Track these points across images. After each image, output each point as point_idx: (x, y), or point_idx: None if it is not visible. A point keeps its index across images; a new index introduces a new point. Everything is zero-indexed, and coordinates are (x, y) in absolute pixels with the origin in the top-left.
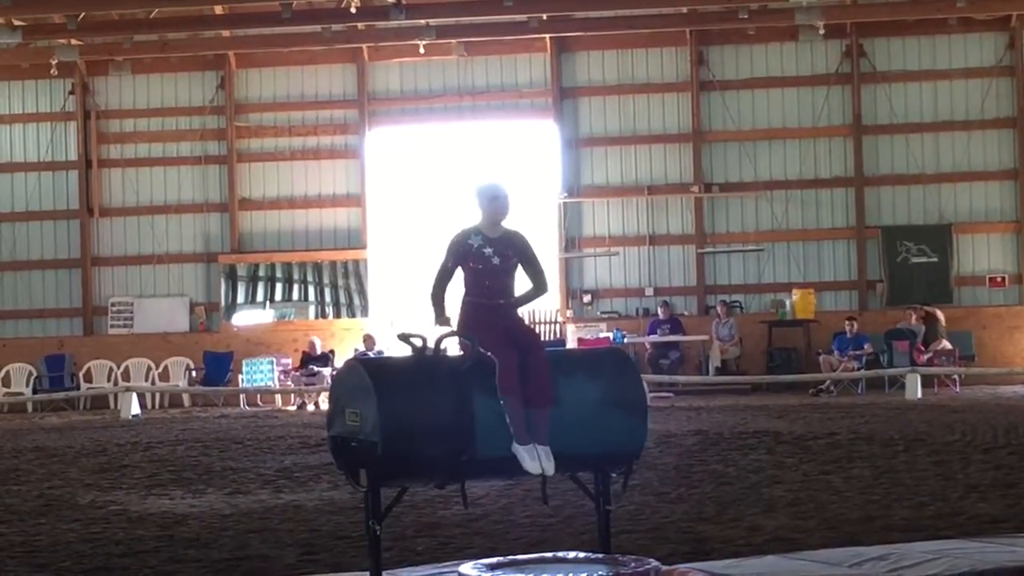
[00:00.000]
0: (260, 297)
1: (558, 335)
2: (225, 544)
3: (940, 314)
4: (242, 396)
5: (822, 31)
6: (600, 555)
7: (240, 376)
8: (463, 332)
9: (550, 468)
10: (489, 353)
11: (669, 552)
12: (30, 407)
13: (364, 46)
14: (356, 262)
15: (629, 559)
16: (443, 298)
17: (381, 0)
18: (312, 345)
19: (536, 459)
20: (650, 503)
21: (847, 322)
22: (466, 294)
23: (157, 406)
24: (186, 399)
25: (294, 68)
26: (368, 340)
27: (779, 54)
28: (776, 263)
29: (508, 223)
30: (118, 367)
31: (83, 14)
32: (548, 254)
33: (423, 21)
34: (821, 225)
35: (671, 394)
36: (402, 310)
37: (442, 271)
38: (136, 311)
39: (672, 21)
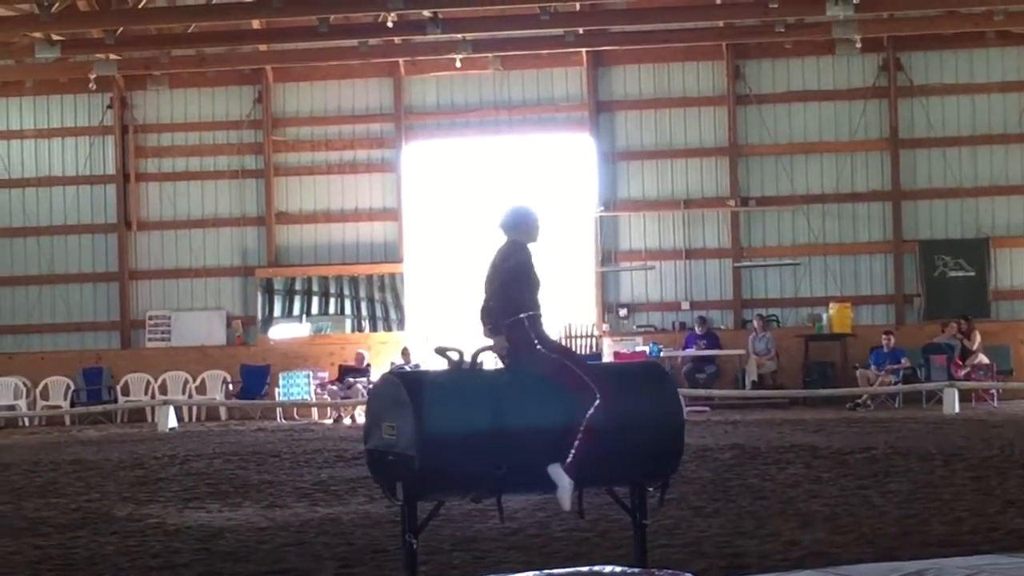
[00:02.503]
0: (297, 311)
1: (594, 349)
2: (262, 558)
3: (977, 333)
4: (278, 409)
5: (859, 45)
6: (636, 570)
7: (277, 389)
8: (548, 347)
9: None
10: (586, 379)
11: (705, 567)
12: (68, 420)
13: (400, 60)
14: (392, 276)
15: (665, 573)
16: None
17: (417, 15)
18: (360, 357)
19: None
20: (686, 517)
21: (884, 336)
22: (530, 309)
23: (194, 419)
24: (223, 412)
25: (331, 82)
26: (406, 354)
27: (816, 68)
28: (813, 277)
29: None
30: (155, 380)
31: (121, 29)
32: (585, 268)
33: (459, 35)
34: (858, 239)
35: (707, 408)
36: (438, 324)
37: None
38: (173, 324)
39: (708, 35)
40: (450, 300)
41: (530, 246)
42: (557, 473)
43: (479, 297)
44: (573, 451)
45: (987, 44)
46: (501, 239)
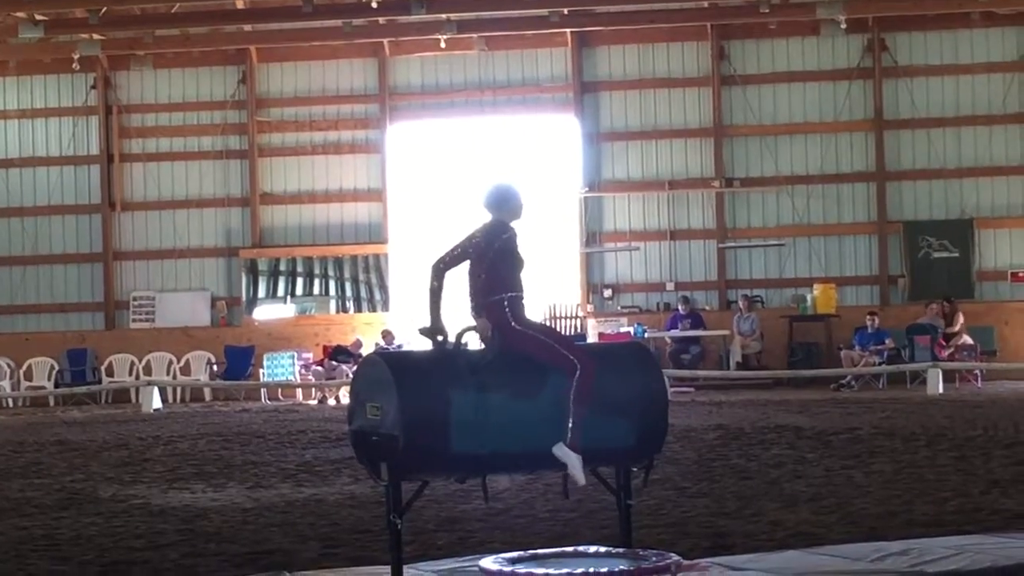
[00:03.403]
0: (281, 291)
1: (579, 330)
2: (246, 538)
3: (960, 315)
4: (263, 390)
5: (844, 25)
6: (621, 550)
7: (261, 370)
8: (524, 326)
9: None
10: (569, 355)
11: (690, 547)
12: (52, 401)
13: (385, 40)
14: (377, 256)
15: (650, 553)
16: None
17: None
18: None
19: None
20: (671, 498)
21: (868, 317)
22: (511, 290)
23: (178, 400)
24: (207, 393)
25: (315, 62)
26: (387, 335)
27: (800, 48)
28: (797, 258)
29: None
30: (139, 361)
31: (105, 9)
32: (569, 249)
33: (444, 15)
34: (842, 220)
35: (692, 389)
36: (423, 304)
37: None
38: (157, 305)
39: (693, 15)
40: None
41: (514, 224)
42: (563, 452)
43: (463, 275)
44: (570, 425)
45: (972, 25)
46: (484, 217)
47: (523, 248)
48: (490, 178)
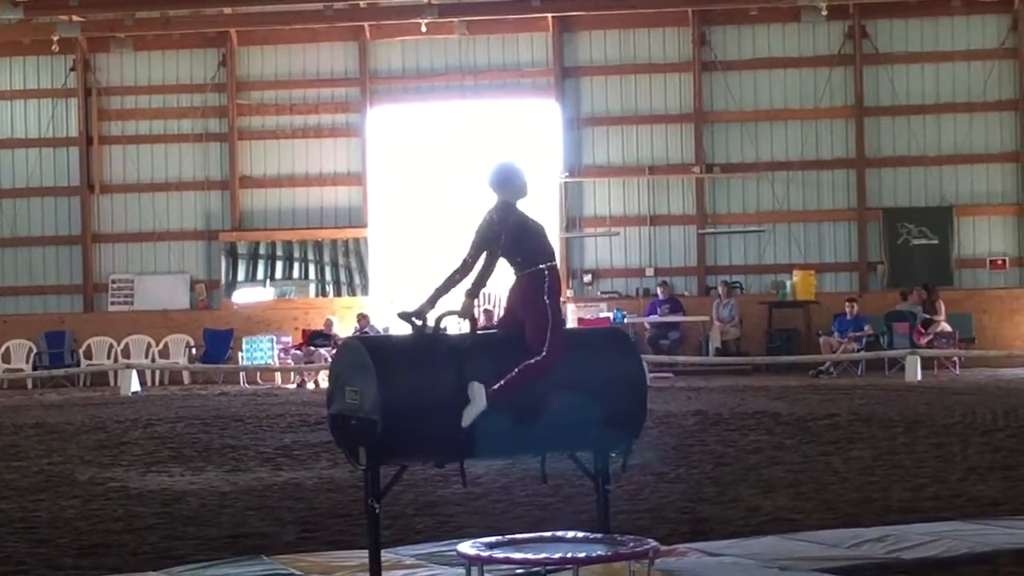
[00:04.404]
0: (260, 275)
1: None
2: (224, 521)
3: (941, 303)
4: (242, 374)
5: (824, 12)
6: (599, 535)
7: (240, 354)
8: (551, 304)
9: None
10: (545, 341)
11: (668, 532)
12: (30, 383)
13: (366, 24)
14: (357, 240)
15: (628, 539)
16: None
17: None
18: (328, 324)
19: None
20: (649, 483)
21: (847, 303)
22: (550, 259)
23: (157, 383)
24: (186, 376)
25: (296, 46)
26: (362, 319)
27: (781, 35)
28: (777, 244)
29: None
30: (118, 344)
31: None
32: (549, 234)
33: (425, 0)
34: (822, 206)
35: (671, 374)
36: (402, 289)
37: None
38: (136, 288)
39: (674, 1)
40: (414, 265)
41: (519, 204)
42: (477, 390)
43: (465, 255)
44: (503, 381)
45: (953, 12)
46: (491, 198)
47: (534, 217)
48: (492, 157)
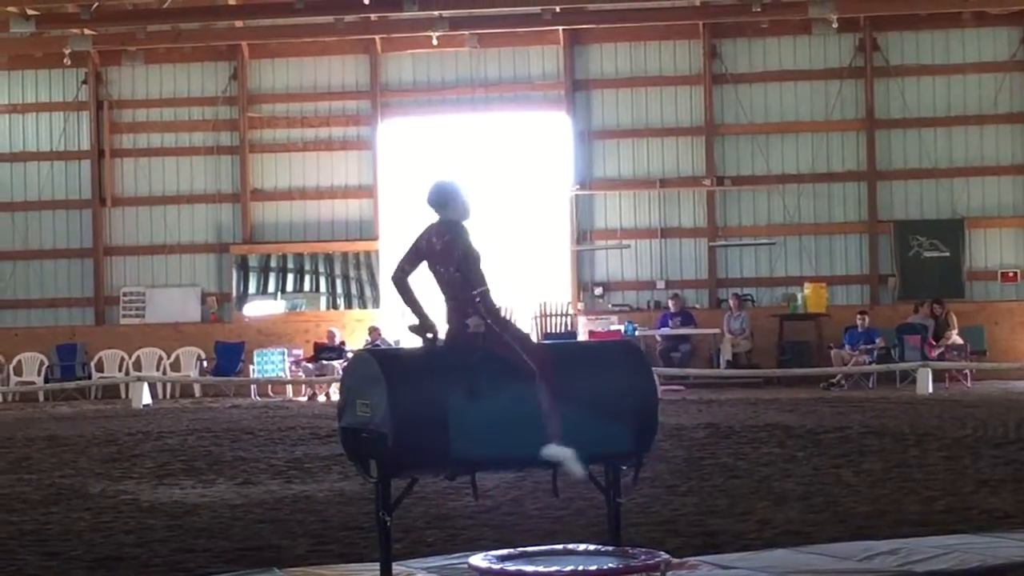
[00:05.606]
0: (272, 288)
1: (569, 327)
2: (235, 534)
3: (953, 316)
4: (253, 386)
5: (835, 25)
6: (610, 548)
7: (251, 366)
8: (497, 323)
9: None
10: (527, 361)
11: (679, 545)
12: (42, 396)
13: (377, 37)
14: (368, 253)
15: (639, 552)
16: None
17: None
18: (331, 335)
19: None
20: (660, 496)
21: (858, 316)
22: (481, 285)
23: (168, 396)
24: (197, 389)
25: (307, 59)
26: (373, 332)
27: (792, 47)
28: (788, 257)
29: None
30: (129, 357)
31: (96, 3)
32: (560, 246)
33: (436, 12)
34: (833, 219)
35: (682, 387)
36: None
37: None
38: (148, 301)
39: (685, 14)
40: (425, 278)
41: (465, 224)
42: (555, 450)
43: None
44: (552, 423)
45: (963, 25)
46: (432, 217)
47: (477, 242)
48: (433, 177)
